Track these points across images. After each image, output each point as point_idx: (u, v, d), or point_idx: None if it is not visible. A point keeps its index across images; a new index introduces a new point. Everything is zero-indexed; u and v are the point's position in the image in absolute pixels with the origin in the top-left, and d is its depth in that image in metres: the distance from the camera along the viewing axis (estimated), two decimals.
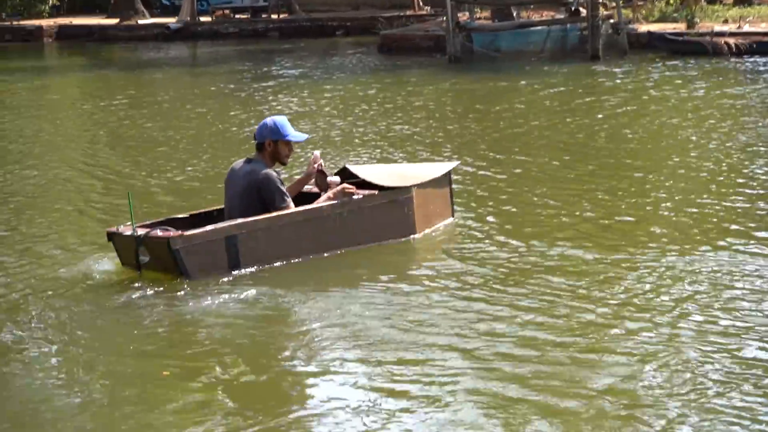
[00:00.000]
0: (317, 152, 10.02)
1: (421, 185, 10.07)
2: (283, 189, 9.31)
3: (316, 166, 9.74)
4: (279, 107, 20.64)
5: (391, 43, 33.01)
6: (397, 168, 11.29)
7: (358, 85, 24.74)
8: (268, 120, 9.42)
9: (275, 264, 9.25)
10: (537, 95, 21.72)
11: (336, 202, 9.49)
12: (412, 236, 9.94)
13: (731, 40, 28.33)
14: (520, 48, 29.60)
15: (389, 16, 39.08)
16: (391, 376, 7.00)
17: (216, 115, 20.14)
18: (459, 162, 12.12)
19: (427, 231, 10.13)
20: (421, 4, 41.69)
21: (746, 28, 30.21)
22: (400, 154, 14.98)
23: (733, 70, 25.06)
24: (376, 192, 9.80)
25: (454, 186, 10.92)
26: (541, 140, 16.24)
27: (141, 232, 9.04)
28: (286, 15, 43.01)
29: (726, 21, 31.77)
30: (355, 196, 9.59)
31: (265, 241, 9.16)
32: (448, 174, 10.54)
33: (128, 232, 9.07)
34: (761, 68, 25.05)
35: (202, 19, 42.84)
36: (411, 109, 20.20)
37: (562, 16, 31.11)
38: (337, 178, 9.76)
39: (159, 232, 9.00)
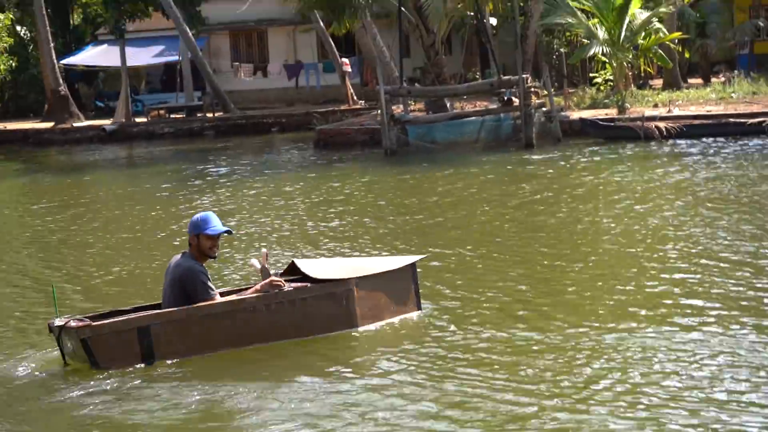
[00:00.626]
0: (264, 250, 10.09)
1: (367, 278, 9.98)
2: (207, 282, 9.35)
3: (260, 262, 9.82)
4: (215, 206, 20.48)
5: (327, 138, 33.15)
6: (349, 262, 11.15)
7: (298, 180, 24.73)
8: (195, 216, 9.61)
9: (193, 356, 9.20)
10: (474, 185, 21.77)
11: (260, 294, 9.51)
12: (353, 329, 9.82)
13: (662, 124, 28.83)
14: (455, 139, 29.81)
15: (324, 111, 39.38)
16: None
17: (148, 216, 20.00)
18: (425, 256, 11.93)
19: (376, 324, 10.00)
20: (355, 98, 42.02)
21: (676, 111, 30.75)
22: (347, 250, 14.84)
23: (665, 153, 25.42)
24: (309, 285, 9.74)
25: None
26: (482, 228, 16.28)
27: (59, 323, 9.08)
28: (221, 113, 43.13)
29: (656, 105, 32.32)
30: (285, 289, 9.58)
31: (181, 333, 9.17)
32: (408, 267, 10.39)
33: (54, 323, 9.16)
34: (690, 150, 25.46)
35: (138, 119, 42.84)
36: (351, 203, 20.16)
37: (495, 106, 31.41)
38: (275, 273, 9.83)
39: (73, 323, 9.00)
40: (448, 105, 33.45)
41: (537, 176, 22.54)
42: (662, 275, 11.85)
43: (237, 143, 36.81)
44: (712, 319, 9.82)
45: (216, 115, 42.89)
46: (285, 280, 9.80)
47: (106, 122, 42.83)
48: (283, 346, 9.51)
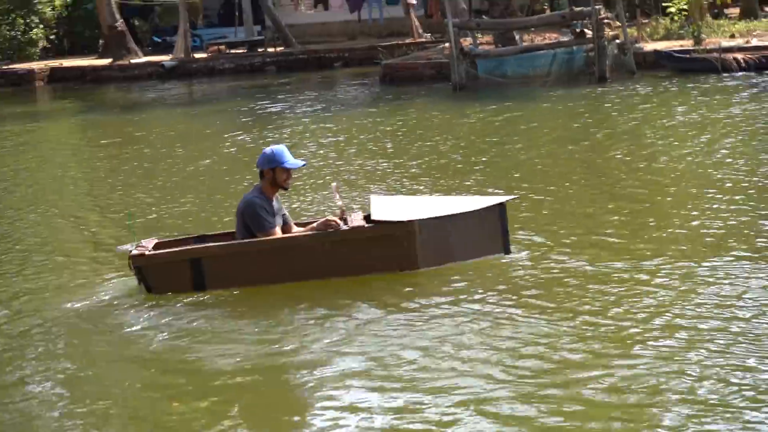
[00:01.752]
0: (334, 184, 10.56)
1: (435, 220, 9.84)
2: (263, 215, 9.69)
3: (336, 197, 10.25)
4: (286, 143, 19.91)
5: (393, 73, 32.36)
6: (427, 202, 10.98)
7: (366, 117, 24.12)
8: (267, 149, 9.95)
9: (244, 288, 9.65)
10: (547, 121, 21.17)
11: (315, 233, 9.79)
12: (411, 270, 9.77)
13: (740, 56, 27.81)
14: (526, 72, 28.95)
15: (389, 45, 38.49)
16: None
17: (216, 152, 19.55)
18: (515, 197, 11.51)
19: (445, 266, 9.84)
20: (420, 31, 41.12)
21: (754, 42, 29.64)
22: (421, 187, 14.46)
23: (743, 86, 24.55)
24: (366, 225, 9.84)
25: None
26: (559, 166, 15.73)
27: (135, 251, 9.82)
28: (282, 48, 42.40)
29: (733, 36, 31.22)
30: (342, 227, 9.77)
31: (233, 266, 9.66)
32: (491, 209, 10.07)
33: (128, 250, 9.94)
34: None
35: (197, 55, 42.21)
36: (422, 140, 19.55)
37: (566, 39, 30.46)
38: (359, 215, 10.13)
39: (134, 251, 9.74)
40: (517, 38, 32.50)
41: (611, 111, 21.90)
42: (743, 211, 11.67)
43: (300, 79, 36.14)
44: None
45: (277, 50, 42.15)
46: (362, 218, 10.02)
47: (164, 58, 42.16)
48: (340, 283, 9.63)
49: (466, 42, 31.02)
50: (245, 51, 42.83)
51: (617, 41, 29.06)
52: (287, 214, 10.17)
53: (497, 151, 17.51)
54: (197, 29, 48.40)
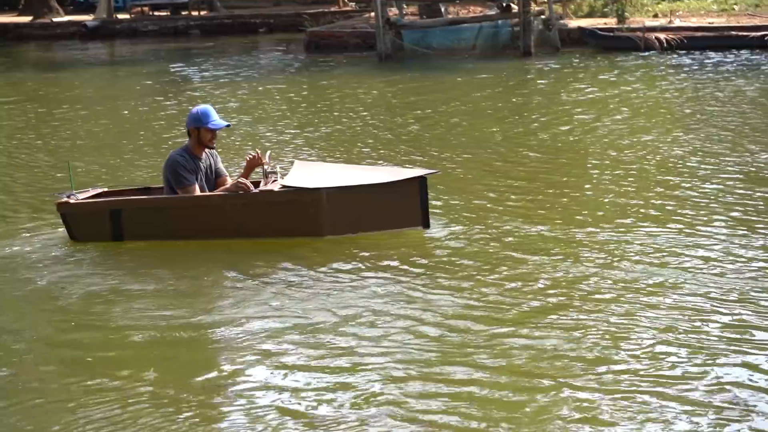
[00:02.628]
0: (269, 152, 10.65)
1: (346, 189, 9.94)
2: (181, 172, 9.99)
3: (264, 163, 10.28)
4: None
5: (318, 41, 32.22)
6: (345, 171, 10.92)
7: (289, 83, 24.07)
8: (194, 109, 10.22)
9: (160, 241, 10.05)
10: (473, 93, 21.25)
11: (226, 194, 10.05)
12: (316, 236, 9.95)
13: (662, 36, 28.15)
14: (452, 45, 29.05)
15: (314, 13, 38.34)
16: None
17: (138, 113, 19.39)
18: (436, 171, 11.45)
19: (352, 235, 9.94)
20: (346, 0, 40.99)
21: (677, 22, 30.03)
22: (339, 156, 14.44)
23: (665, 65, 24.90)
24: (276, 190, 9.99)
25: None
26: (480, 138, 15.79)
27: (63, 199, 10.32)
28: (206, 12, 42.02)
29: (656, 15, 31.57)
30: (253, 191, 9.99)
31: (149, 219, 10.11)
32: (411, 181, 10.04)
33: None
34: (691, 63, 24.96)
35: (120, 16, 41.67)
36: (347, 109, 19.55)
37: (492, 13, 30.56)
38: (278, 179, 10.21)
39: (68, 199, 10.24)
40: (442, 10, 32.53)
41: (535, 86, 22.15)
42: (652, 184, 12.08)
43: (224, 43, 35.84)
44: (686, 222, 10.33)
45: (201, 13, 41.76)
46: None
47: (87, 18, 41.61)
48: (249, 243, 9.95)
49: (393, 12, 30.99)
50: (169, 13, 42.35)
51: (542, 17, 29.22)
52: (222, 168, 10.40)
53: (420, 123, 17.54)
54: None
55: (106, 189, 10.87)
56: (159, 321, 8.10)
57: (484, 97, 20.75)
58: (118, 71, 29.51)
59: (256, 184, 10.20)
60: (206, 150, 10.19)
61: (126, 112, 19.73)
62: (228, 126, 10.54)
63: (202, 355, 7.52)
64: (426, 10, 32.50)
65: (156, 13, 42.48)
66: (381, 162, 13.94)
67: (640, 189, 11.86)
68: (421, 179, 10.05)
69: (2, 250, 10.19)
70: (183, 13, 42.00)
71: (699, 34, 28.47)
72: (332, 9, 39.77)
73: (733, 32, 28.28)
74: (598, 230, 10.09)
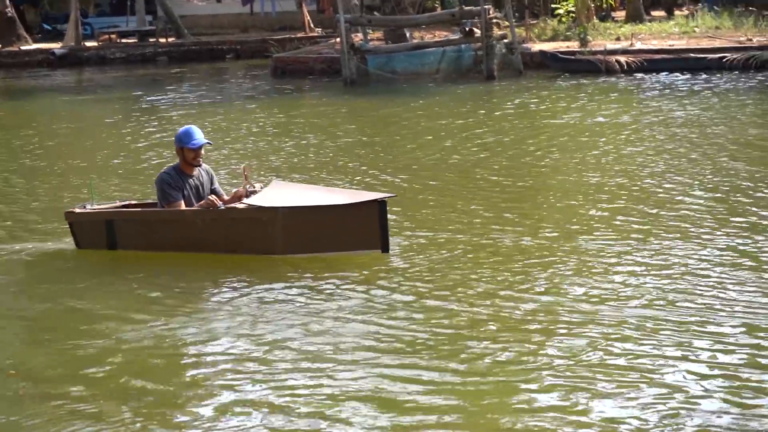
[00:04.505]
0: (243, 165, 11.30)
1: (303, 209, 10.17)
2: (166, 189, 10.51)
3: (245, 182, 10.63)
4: (173, 132, 20.02)
5: (284, 66, 32.58)
6: (311, 192, 11.03)
7: (256, 109, 24.30)
8: (180, 129, 10.73)
9: (147, 252, 10.63)
10: (436, 116, 21.51)
11: (196, 210, 10.48)
12: (273, 254, 10.22)
13: (623, 58, 28.61)
14: (416, 69, 29.44)
15: (280, 39, 38.66)
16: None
17: (106, 143, 19.58)
18: (392, 195, 11.15)
19: (310, 255, 10.11)
20: (311, 25, 41.34)
21: (638, 45, 30.49)
22: (302, 179, 14.63)
23: (624, 87, 25.31)
24: (239, 207, 10.36)
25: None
26: (443, 161, 16.07)
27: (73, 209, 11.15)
28: (174, 39, 42.29)
29: (618, 38, 32.04)
30: (219, 207, 10.36)
31: (137, 231, 10.74)
32: (370, 204, 10.11)
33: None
34: (651, 85, 25.38)
35: (88, 44, 41.88)
36: (313, 131, 19.82)
37: (456, 37, 30.96)
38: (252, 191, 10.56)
39: (74, 209, 11.07)
40: (407, 35, 32.95)
41: (498, 108, 22.40)
42: (612, 201, 12.45)
43: (191, 70, 36.14)
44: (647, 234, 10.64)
45: (169, 40, 42.04)
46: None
47: (55, 46, 41.80)
48: (219, 258, 10.35)
49: (357, 38, 31.37)
50: (137, 41, 42.58)
51: (505, 41, 29.62)
52: (218, 188, 10.85)
53: (384, 146, 17.80)
54: (88, 18, 48.00)
55: (133, 201, 11.63)
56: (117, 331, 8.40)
57: (448, 120, 21.02)
58: (82, 98, 29.68)
59: None
60: (201, 168, 10.68)
61: (90, 142, 19.89)
62: (209, 143, 10.92)
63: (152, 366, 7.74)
64: (390, 36, 32.91)
65: (123, 41, 42.71)
66: (344, 184, 14.14)
67: (598, 205, 12.21)
68: (380, 202, 10.09)
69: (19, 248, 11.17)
70: (150, 40, 42.27)
71: (659, 56, 29.00)
72: (298, 35, 40.12)
73: (693, 54, 28.78)
74: (557, 245, 10.38)
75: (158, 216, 10.64)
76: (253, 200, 10.34)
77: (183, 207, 10.48)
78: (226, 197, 10.70)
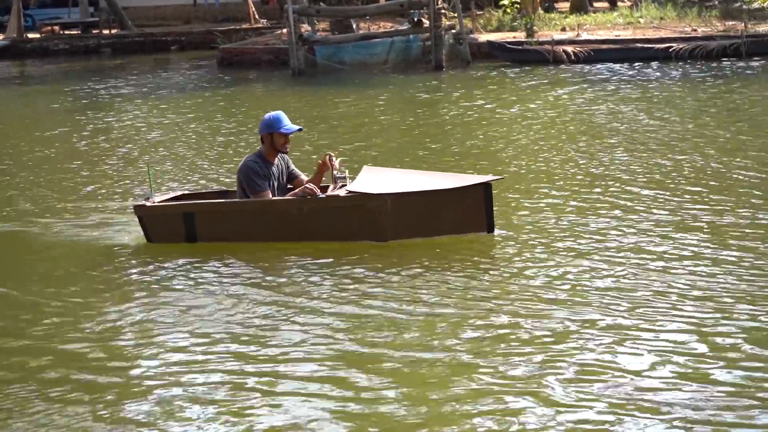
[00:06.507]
0: (330, 153, 10.65)
1: (407, 194, 10.14)
2: (254, 178, 10.33)
3: (333, 168, 10.54)
4: (125, 126, 19.87)
5: (231, 58, 32.38)
6: (413, 177, 11.08)
7: (203, 101, 24.09)
8: (266, 115, 10.55)
9: (230, 243, 10.35)
10: (384, 106, 21.51)
11: (293, 199, 10.34)
12: (380, 241, 10.11)
13: (570, 48, 28.72)
14: (364, 59, 29.39)
15: (226, 30, 38.41)
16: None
17: (52, 136, 19.32)
18: (500, 177, 11.23)
19: (416, 239, 10.08)
20: (257, 16, 41.10)
21: (584, 35, 30.62)
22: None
23: (571, 76, 25.41)
24: (341, 195, 10.27)
25: None
26: (391, 151, 16.04)
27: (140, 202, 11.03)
28: (117, 30, 41.87)
29: (564, 29, 32.17)
30: (320, 196, 10.25)
31: (220, 222, 10.50)
32: (474, 188, 10.24)
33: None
34: (597, 74, 25.53)
35: (30, 35, 41.35)
36: (257, 124, 19.60)
37: (404, 28, 30.93)
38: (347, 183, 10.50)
39: (145, 203, 10.77)
40: (354, 25, 32.85)
41: (446, 98, 22.38)
42: (564, 190, 12.45)
43: (135, 61, 35.78)
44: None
45: (113, 32, 41.62)
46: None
47: None
48: (314, 246, 10.12)
49: (304, 28, 31.22)
50: (80, 32, 42.12)
51: (453, 31, 29.64)
52: (295, 170, 10.74)
53: (331, 136, 17.72)
54: (29, 9, 47.40)
55: (185, 192, 11.59)
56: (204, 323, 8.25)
57: (396, 110, 21.01)
58: (28, 91, 29.29)
59: (325, 188, 10.51)
60: (279, 154, 10.53)
61: (38, 132, 19.64)
62: (300, 130, 10.73)
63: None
64: (338, 26, 32.81)
65: (66, 32, 42.23)
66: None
67: (550, 193, 12.21)
68: (486, 185, 10.29)
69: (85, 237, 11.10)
70: (94, 31, 41.84)
71: (605, 46, 29.18)
72: (244, 26, 39.88)
73: (639, 44, 28.99)
74: (509, 239, 10.35)
75: (247, 206, 10.43)
76: (354, 187, 10.30)
77: (270, 196, 10.37)
78: (304, 177, 10.68)
